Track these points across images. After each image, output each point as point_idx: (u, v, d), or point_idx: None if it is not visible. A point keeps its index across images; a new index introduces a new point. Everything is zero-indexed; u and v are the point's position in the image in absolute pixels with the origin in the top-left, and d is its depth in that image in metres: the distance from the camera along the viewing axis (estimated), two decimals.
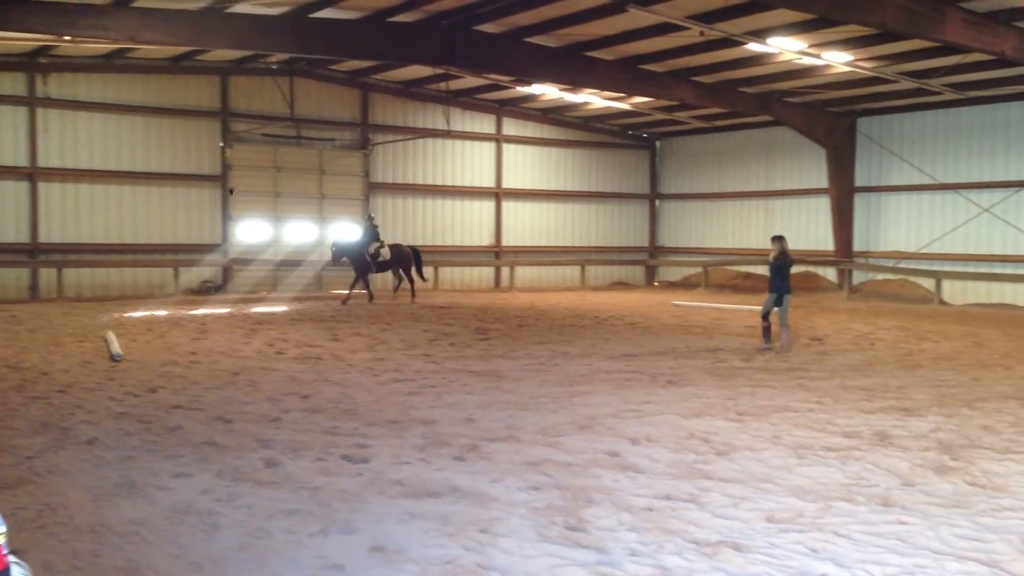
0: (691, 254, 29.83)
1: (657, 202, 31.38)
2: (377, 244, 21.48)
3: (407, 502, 5.71)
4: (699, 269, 28.15)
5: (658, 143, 31.21)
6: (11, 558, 1.58)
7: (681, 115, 26.61)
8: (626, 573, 4.52)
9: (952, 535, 5.09)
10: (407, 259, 21.99)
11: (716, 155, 29.20)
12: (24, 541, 4.86)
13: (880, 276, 24.36)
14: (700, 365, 11.77)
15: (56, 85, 21.45)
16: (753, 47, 18.08)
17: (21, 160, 21.13)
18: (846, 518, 5.37)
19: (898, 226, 24.45)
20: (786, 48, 17.99)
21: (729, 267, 28.08)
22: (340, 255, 21.43)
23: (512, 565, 4.63)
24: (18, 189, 21.16)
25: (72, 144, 21.75)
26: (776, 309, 13.22)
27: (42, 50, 20.28)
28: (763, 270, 26.12)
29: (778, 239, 13.63)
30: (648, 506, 5.58)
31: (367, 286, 21.58)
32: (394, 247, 21.91)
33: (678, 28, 17.05)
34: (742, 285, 26.73)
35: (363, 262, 21.31)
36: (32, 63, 20.94)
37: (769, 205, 27.74)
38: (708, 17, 16.26)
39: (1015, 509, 5.60)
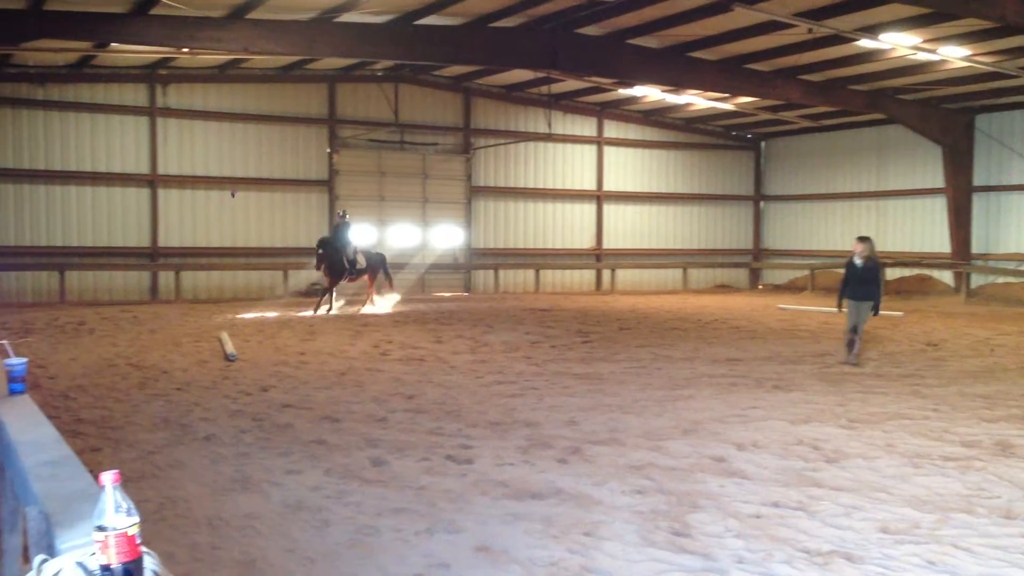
0: (797, 256, 29.10)
1: (762, 204, 30.76)
2: (354, 248, 19.46)
3: (511, 503, 5.75)
4: (806, 272, 27.46)
5: (763, 143, 30.59)
6: (142, 548, 1.65)
7: (787, 115, 26.02)
8: None
9: None
10: (376, 267, 20.34)
11: (824, 155, 28.43)
12: (147, 532, 5.08)
13: (1000, 279, 23.30)
14: (808, 370, 11.49)
15: (174, 95, 22.38)
16: (864, 43, 17.55)
17: (143, 168, 22.12)
18: (965, 530, 5.16)
19: (1020, 227, 23.33)
20: (899, 44, 17.39)
21: (838, 270, 27.28)
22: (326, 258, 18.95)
23: (617, 569, 4.61)
24: (139, 196, 22.15)
25: (189, 152, 22.66)
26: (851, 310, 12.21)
27: (162, 62, 21.20)
28: None
29: (868, 240, 12.41)
30: (756, 513, 5.48)
31: (331, 295, 19.34)
32: (366, 254, 20.08)
33: (785, 26, 16.68)
34: None
35: (342, 267, 19.14)
36: (153, 75, 21.90)
37: (881, 206, 26.85)
38: (816, 14, 15.86)
39: None
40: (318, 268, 19.25)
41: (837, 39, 17.35)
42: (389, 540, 5.09)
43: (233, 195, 23.17)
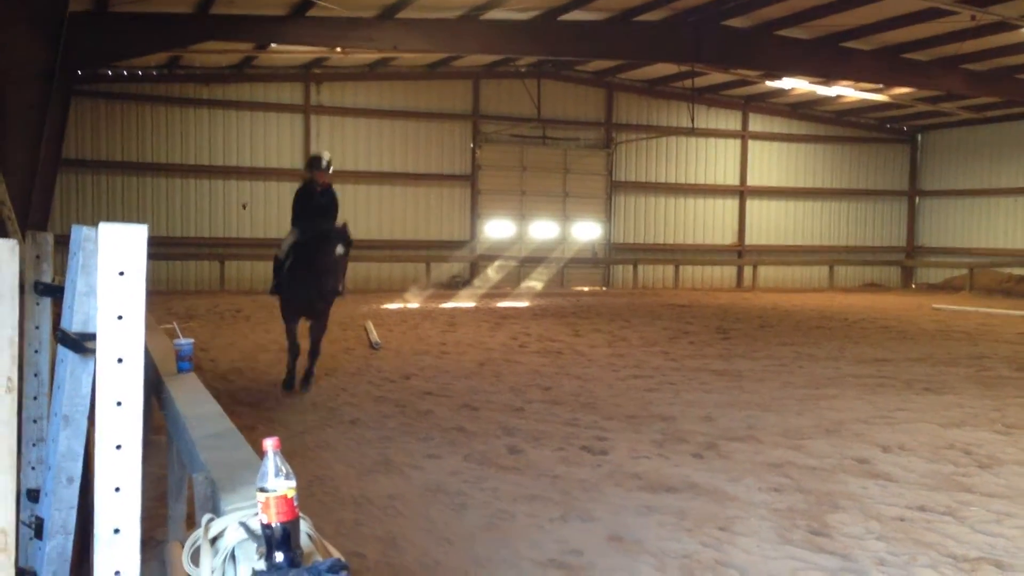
0: (955, 254, 27.63)
1: (917, 199, 29.37)
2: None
3: (645, 495, 5.78)
4: (964, 271, 26.08)
5: (919, 136, 29.17)
6: (299, 511, 1.79)
7: (947, 106, 24.73)
8: None
9: None
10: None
11: (988, 148, 26.87)
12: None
13: None
14: (962, 373, 10.95)
15: (327, 93, 23.30)
16: None
17: (297, 163, 23.04)
18: None
19: None
20: None
21: (1000, 269, 25.82)
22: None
23: (751, 564, 4.57)
24: (293, 190, 23.05)
25: (339, 147, 23.48)
26: None
27: (316, 62, 22.10)
28: None
29: None
30: (900, 516, 5.31)
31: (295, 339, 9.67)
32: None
33: (946, 13, 15.89)
34: (1015, 289, 24.47)
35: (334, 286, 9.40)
36: (307, 74, 22.86)
37: None
38: (981, 0, 15.04)
39: None
40: (293, 288, 9.36)
41: (1003, 26, 16.40)
42: (524, 525, 5.21)
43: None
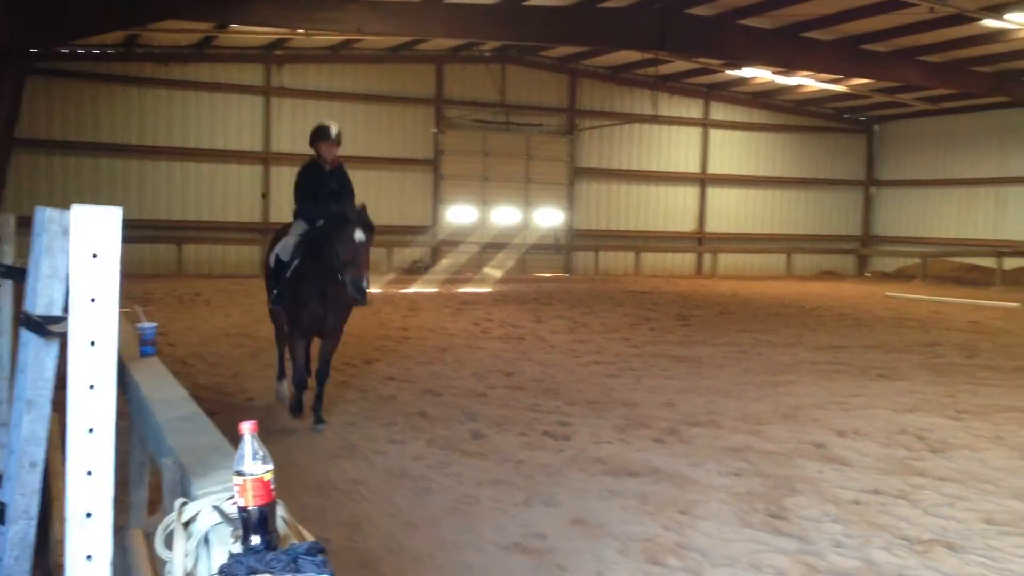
0: (909, 244, 28.13)
1: (872, 189, 29.82)
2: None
3: (607, 480, 5.85)
4: (917, 260, 26.57)
5: (876, 127, 29.59)
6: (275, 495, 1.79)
7: (904, 97, 25.12)
8: (830, 564, 4.46)
9: None
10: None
11: (942, 139, 27.33)
12: None
13: None
14: (915, 360, 11.18)
15: (288, 75, 23.05)
16: (988, 23, 16.81)
17: (257, 146, 22.88)
18: None
19: None
20: None
21: (952, 258, 26.33)
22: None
23: (711, 547, 4.66)
24: (253, 173, 22.93)
25: (301, 130, 23.09)
26: None
27: (278, 43, 21.83)
28: (991, 263, 24.40)
29: None
30: (855, 499, 5.44)
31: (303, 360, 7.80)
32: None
33: (904, 5, 16.12)
34: (965, 278, 24.99)
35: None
36: (269, 55, 22.59)
37: (1002, 193, 25.68)
38: None
39: None
40: (306, 298, 7.30)
41: (960, 19, 16.67)
42: (488, 509, 5.26)
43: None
